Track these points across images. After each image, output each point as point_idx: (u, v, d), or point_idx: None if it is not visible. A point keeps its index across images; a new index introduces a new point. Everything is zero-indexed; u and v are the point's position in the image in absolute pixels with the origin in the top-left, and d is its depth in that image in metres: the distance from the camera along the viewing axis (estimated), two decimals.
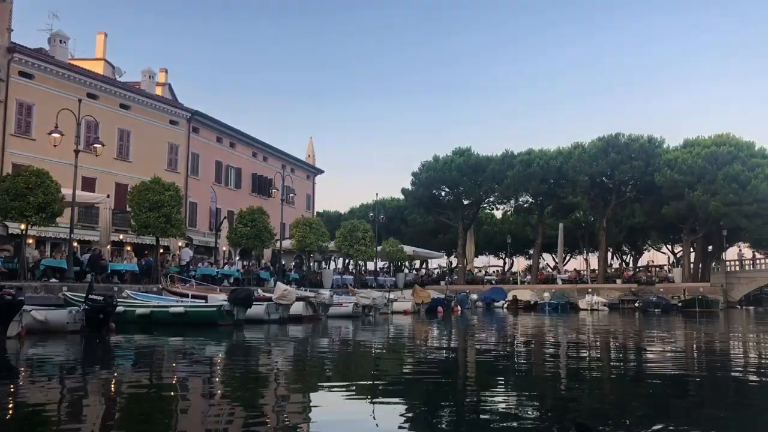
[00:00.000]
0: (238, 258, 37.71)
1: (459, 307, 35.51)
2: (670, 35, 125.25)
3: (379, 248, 42.92)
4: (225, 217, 38.61)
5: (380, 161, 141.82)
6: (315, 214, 55.69)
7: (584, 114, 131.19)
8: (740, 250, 54.04)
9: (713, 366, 12.50)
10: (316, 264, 44.97)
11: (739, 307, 46.17)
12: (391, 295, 32.88)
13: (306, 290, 28.43)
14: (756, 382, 10.14)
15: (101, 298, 16.95)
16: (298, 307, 23.56)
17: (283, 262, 38.54)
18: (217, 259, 34.88)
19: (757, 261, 50.52)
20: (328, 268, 46.94)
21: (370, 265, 48.23)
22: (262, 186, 46.72)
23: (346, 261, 50.93)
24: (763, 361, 13.37)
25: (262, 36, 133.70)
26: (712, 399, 8.43)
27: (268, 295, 24.01)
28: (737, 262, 51.19)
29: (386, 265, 52.66)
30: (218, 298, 21.53)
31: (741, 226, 42.14)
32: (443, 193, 51.80)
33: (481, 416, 6.94)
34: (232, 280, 30.93)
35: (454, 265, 57.21)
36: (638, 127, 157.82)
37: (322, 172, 58.01)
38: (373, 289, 35.00)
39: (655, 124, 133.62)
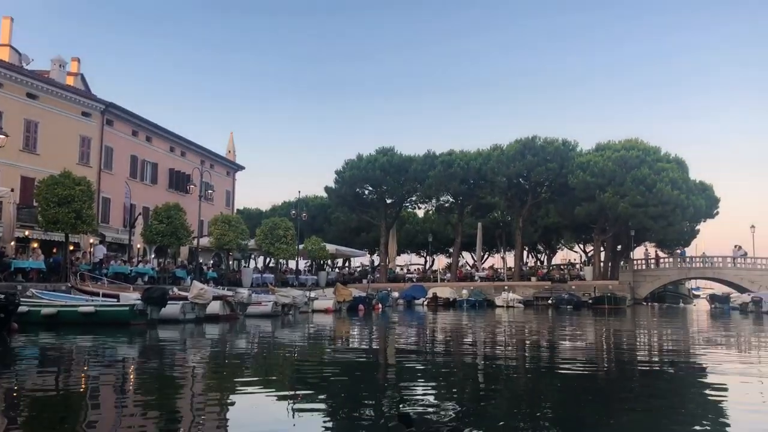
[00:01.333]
0: (153, 256, 36.49)
1: (380, 305, 35.72)
2: (585, 45, 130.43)
3: (301, 246, 42.60)
4: (140, 214, 37.28)
5: (304, 159, 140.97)
6: (235, 211, 54.66)
7: (504, 116, 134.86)
8: (647, 250, 57.05)
9: (616, 358, 13.14)
10: (235, 262, 44.15)
11: (644, 303, 48.69)
12: (312, 294, 32.72)
13: (224, 289, 27.90)
14: (655, 369, 10.74)
15: (2, 296, 16.03)
16: (215, 307, 23.06)
17: (201, 261, 37.61)
18: (131, 257, 33.66)
19: (661, 260, 53.46)
20: (248, 266, 46.21)
21: (292, 264, 47.83)
22: (179, 182, 45.38)
23: (267, 259, 50.27)
24: (662, 352, 14.19)
25: (183, 28, 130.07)
26: (618, 389, 8.86)
27: (183, 293, 23.38)
28: (644, 261, 54.02)
29: (308, 264, 52.34)
30: (131, 297, 20.81)
31: (647, 226, 44.42)
32: (366, 192, 51.92)
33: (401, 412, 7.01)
34: (146, 279, 29.94)
35: (376, 263, 57.53)
36: (554, 130, 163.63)
37: (242, 168, 56.95)
38: (294, 288, 34.72)
39: (569, 128, 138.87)
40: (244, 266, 44.86)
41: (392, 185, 49.42)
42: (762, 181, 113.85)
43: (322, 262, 49.69)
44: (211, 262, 41.85)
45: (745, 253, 50.58)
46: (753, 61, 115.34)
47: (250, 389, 8.71)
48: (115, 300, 20.71)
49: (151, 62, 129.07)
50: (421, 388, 8.99)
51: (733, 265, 50.22)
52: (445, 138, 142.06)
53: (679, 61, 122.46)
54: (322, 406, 7.41)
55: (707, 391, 8.72)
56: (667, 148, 46.03)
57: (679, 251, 54.06)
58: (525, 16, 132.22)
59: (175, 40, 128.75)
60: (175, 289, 25.34)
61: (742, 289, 47.47)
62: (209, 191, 37.86)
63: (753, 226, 52.38)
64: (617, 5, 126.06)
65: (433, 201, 53.78)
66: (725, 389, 8.63)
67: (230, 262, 42.00)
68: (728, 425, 6.54)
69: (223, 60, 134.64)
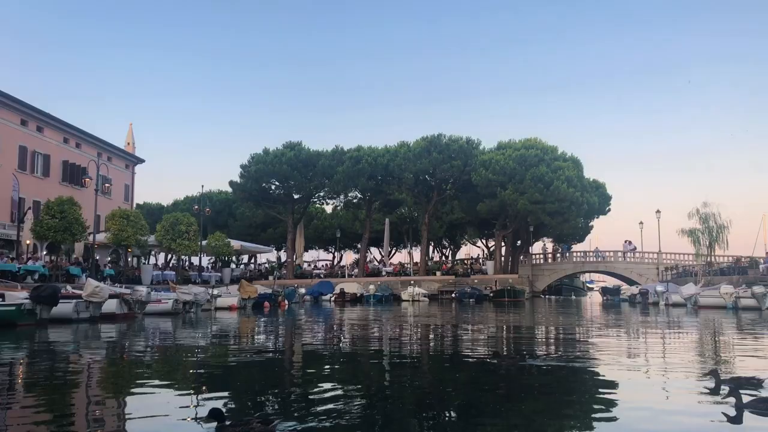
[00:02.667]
0: (44, 252, 34.51)
1: (286, 302, 35.39)
2: (488, 46, 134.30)
3: (204, 242, 41.52)
4: (29, 208, 35.13)
5: (208, 153, 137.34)
6: (134, 206, 52.57)
7: (411, 114, 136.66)
8: (545, 245, 59.73)
9: (514, 349, 13.68)
10: (134, 259, 42.45)
11: (542, 296, 50.95)
12: (216, 291, 32.00)
13: (122, 287, 26.80)
14: (550, 359, 11.27)
15: None
16: (111, 305, 22.13)
17: (98, 257, 35.93)
18: (20, 254, 31.66)
19: (561, 255, 56.09)
20: (148, 263, 44.53)
21: (195, 260, 46.54)
22: (74, 175, 43.10)
23: (169, 256, 48.67)
24: (557, 342, 14.91)
25: (80, 7, 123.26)
26: (515, 379, 9.23)
27: (77, 292, 22.28)
28: (541, 256, 56.50)
29: (212, 260, 51.13)
30: (18, 296, 19.59)
31: (545, 222, 46.44)
32: (273, 187, 51.28)
33: (305, 410, 7.02)
34: (37, 277, 28.25)
35: (283, 259, 56.99)
36: (459, 128, 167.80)
37: (143, 161, 54.78)
38: (196, 285, 33.83)
39: (473, 127, 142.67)
40: (144, 263, 43.20)
41: (299, 180, 49.05)
42: (649, 180, 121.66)
43: (226, 258, 48.65)
44: (109, 259, 40.07)
45: (634, 248, 53.92)
46: (642, 66, 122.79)
47: (146, 391, 8.43)
48: (1, 299, 19.45)
49: (45, 48, 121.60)
50: (325, 383, 9.02)
51: (623, 259, 53.44)
52: (353, 134, 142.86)
53: (574, 63, 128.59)
54: (221, 407, 7.29)
55: (597, 379, 9.25)
56: (563, 148, 48.30)
57: (561, 247, 56.90)
58: (431, 16, 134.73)
59: (71, 23, 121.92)
60: (69, 287, 24.15)
61: (631, 282, 50.60)
62: (106, 185, 36.30)
63: (641, 223, 55.82)
64: (519, 8, 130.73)
65: (341, 197, 53.80)
66: (614, 378, 9.17)
67: (129, 259, 40.36)
68: (614, 409, 6.97)
69: (124, 50, 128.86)
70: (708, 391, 7.62)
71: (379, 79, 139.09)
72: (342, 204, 56.36)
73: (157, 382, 9.30)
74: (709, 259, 43.25)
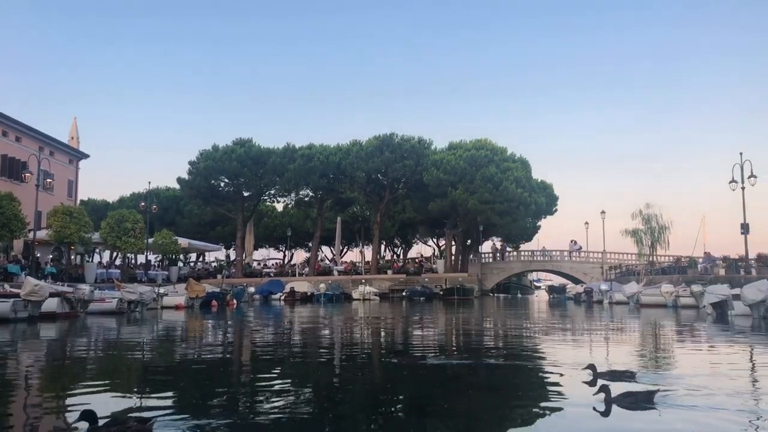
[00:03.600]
0: None
1: (235, 301, 34.94)
2: (441, 47, 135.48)
3: (150, 240, 40.62)
4: None
5: (156, 149, 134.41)
6: (78, 202, 50.96)
7: (363, 113, 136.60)
8: (494, 244, 60.62)
9: (461, 346, 13.84)
10: (78, 257, 41.22)
11: (491, 294, 51.71)
12: (162, 290, 31.34)
13: (64, 285, 25.99)
14: (496, 356, 11.43)
15: None
16: (51, 304, 21.45)
17: (38, 255, 34.74)
18: None
19: (506, 254, 57.02)
20: (92, 261, 43.34)
21: (141, 258, 45.47)
22: (13, 169, 41.49)
23: (114, 254, 47.43)
24: (505, 339, 15.15)
25: (18, 6, 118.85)
26: (464, 377, 9.33)
27: (15, 290, 21.50)
28: (491, 255, 57.34)
29: (159, 258, 50.07)
30: None
31: (494, 222, 47.10)
32: (222, 184, 50.52)
33: (253, 411, 6.93)
34: None
35: (232, 258, 56.24)
36: (411, 128, 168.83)
37: (87, 156, 53.15)
38: (142, 284, 33.06)
39: (425, 127, 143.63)
40: (88, 261, 42.05)
41: (250, 178, 48.44)
42: (595, 181, 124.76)
43: (173, 256, 47.73)
44: (50, 256, 38.79)
45: (580, 248, 55.28)
46: (588, 69, 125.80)
47: (85, 393, 8.19)
48: None
49: None
50: (273, 383, 8.94)
51: (569, 259, 54.72)
52: (305, 132, 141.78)
53: (524, 65, 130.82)
54: (161, 409, 7.13)
55: (541, 375, 9.43)
56: (512, 149, 49.09)
57: (499, 245, 57.92)
58: (382, 15, 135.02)
59: (10, 14, 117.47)
60: (6, 286, 23.32)
61: (576, 281, 51.82)
62: (48, 180, 35.08)
63: (587, 223, 57.42)
64: (471, 8, 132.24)
65: (293, 195, 53.40)
66: (559, 373, 9.36)
67: (72, 257, 39.16)
68: (559, 404, 7.12)
69: (68, 43, 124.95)
70: (587, 384, 7.94)
71: (331, 78, 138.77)
72: (293, 202, 55.98)
73: (88, 383, 9.01)
74: (651, 259, 44.66)
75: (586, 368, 8.43)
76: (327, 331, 18.20)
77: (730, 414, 6.37)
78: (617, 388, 7.10)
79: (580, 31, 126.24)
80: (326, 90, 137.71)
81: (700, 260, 39.43)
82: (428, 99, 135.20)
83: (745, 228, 32.70)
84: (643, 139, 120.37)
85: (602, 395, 6.66)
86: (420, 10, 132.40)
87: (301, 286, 42.86)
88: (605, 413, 6.38)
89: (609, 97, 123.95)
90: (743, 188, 32.08)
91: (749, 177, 31.65)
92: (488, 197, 44.51)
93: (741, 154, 32.00)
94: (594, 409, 6.51)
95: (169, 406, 7.02)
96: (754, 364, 11.10)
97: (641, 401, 6.60)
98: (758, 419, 6.21)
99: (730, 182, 32.27)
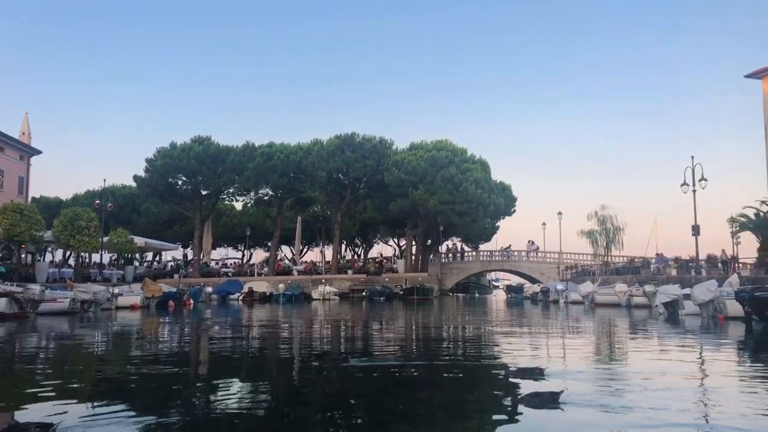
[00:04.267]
0: None
1: (192, 301, 34.43)
2: (402, 48, 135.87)
3: (105, 239, 39.69)
4: None
5: (112, 146, 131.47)
6: (29, 199, 49.53)
7: (325, 112, 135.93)
8: (454, 244, 61.07)
9: (417, 347, 13.90)
10: (28, 256, 40.03)
11: (450, 294, 52.10)
12: (116, 290, 30.69)
13: (13, 285, 25.21)
14: (453, 355, 11.52)
15: None
16: (0, 304, 20.79)
17: None
18: None
19: (466, 254, 57.56)
20: (44, 260, 42.14)
21: (96, 258, 44.39)
22: None
23: (67, 253, 46.20)
24: (463, 339, 15.28)
25: None
26: (421, 377, 9.36)
27: None
28: (451, 255, 57.78)
29: (114, 258, 48.99)
30: None
31: (454, 222, 47.45)
32: (180, 182, 49.62)
33: (210, 413, 6.83)
34: None
35: (190, 257, 55.39)
36: (372, 128, 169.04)
37: (39, 152, 51.67)
38: (96, 283, 32.32)
39: (387, 127, 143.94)
40: (39, 260, 40.86)
41: (208, 176, 47.72)
42: (553, 183, 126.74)
43: (129, 255, 46.70)
44: None
45: (537, 248, 56.11)
46: (549, 74, 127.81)
47: (21, 397, 7.95)
48: None
49: None
50: (229, 385, 8.83)
51: (527, 259, 55.50)
52: (265, 130, 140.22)
53: (483, 67, 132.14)
54: (114, 413, 6.98)
55: (496, 372, 9.53)
56: (472, 150, 49.52)
57: (454, 245, 58.43)
58: (344, 16, 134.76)
59: None
60: None
61: (534, 280, 52.59)
62: None
63: (544, 224, 58.09)
64: (433, 11, 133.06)
65: (252, 193, 52.77)
66: (486, 371, 9.52)
67: (23, 256, 38.01)
68: (468, 404, 7.21)
69: (21, 37, 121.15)
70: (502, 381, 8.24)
71: (292, 77, 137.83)
72: (252, 201, 55.37)
73: (27, 387, 8.76)
74: (605, 259, 45.62)
75: (500, 367, 8.69)
76: (275, 331, 18.09)
77: (629, 415, 6.43)
78: (533, 386, 7.30)
79: (540, 35, 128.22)
80: (287, 89, 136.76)
81: (653, 261, 40.46)
82: (390, 99, 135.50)
83: (695, 230, 33.66)
84: (599, 142, 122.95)
85: (510, 396, 6.82)
86: (381, 11, 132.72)
87: (260, 286, 42.46)
88: (511, 413, 6.46)
89: (567, 100, 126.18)
90: (694, 191, 33.02)
91: (700, 180, 32.59)
92: (448, 198, 44.83)
93: (693, 157, 32.97)
94: (500, 408, 6.60)
95: (99, 412, 6.86)
96: (685, 362, 11.40)
97: (547, 401, 6.64)
98: (662, 419, 6.27)
99: (682, 185, 33.16)
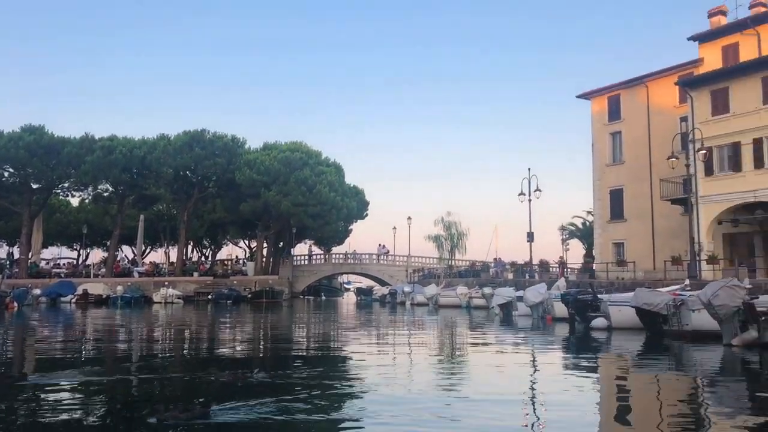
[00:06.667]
0: None
1: (16, 304, 31.39)
2: (242, 47, 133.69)
3: None
4: None
5: None
6: None
7: (173, 106, 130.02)
8: (309, 247, 60.90)
9: (239, 348, 13.62)
10: None
11: (301, 297, 51.87)
12: None
13: None
14: (298, 357, 11.37)
15: None
16: None
17: None
18: None
19: (318, 257, 57.67)
20: None
21: None
22: None
23: None
24: (309, 340, 15.18)
25: None
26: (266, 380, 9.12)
27: None
28: (303, 257, 57.57)
29: None
30: None
31: (307, 225, 47.36)
32: (6, 174, 45.53)
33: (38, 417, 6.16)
34: None
35: (16, 256, 50.58)
36: (224, 125, 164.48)
37: None
38: None
39: (239, 126, 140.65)
40: None
41: (40, 168, 43.92)
42: (403, 188, 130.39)
43: None
44: None
45: (387, 251, 57.46)
46: (404, 79, 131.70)
47: None
48: None
49: None
50: (54, 396, 8.05)
51: (377, 262, 56.62)
52: (106, 121, 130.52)
53: (338, 72, 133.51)
54: None
55: (348, 371, 9.54)
56: (327, 153, 49.74)
57: (312, 248, 58.77)
58: (195, 13, 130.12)
59: None
60: None
61: (383, 283, 53.77)
62: None
63: (395, 228, 59.60)
64: (292, 16, 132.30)
65: (90, 189, 49.48)
66: (365, 369, 9.58)
67: None
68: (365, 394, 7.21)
69: None
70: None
71: (137, 66, 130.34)
72: (91, 197, 51.82)
73: None
74: (450, 263, 47.68)
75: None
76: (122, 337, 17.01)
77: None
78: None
79: (394, 41, 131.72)
80: (131, 78, 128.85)
81: (492, 265, 42.90)
82: (242, 97, 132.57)
83: (530, 236, 36.07)
84: (450, 150, 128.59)
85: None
86: (239, 10, 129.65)
87: (96, 288, 39.72)
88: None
89: (419, 107, 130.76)
90: (530, 200, 35.38)
91: (535, 191, 34.97)
92: (302, 200, 44.67)
93: (529, 169, 35.28)
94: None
95: None
96: (505, 355, 12.19)
97: (196, 416, 6.41)
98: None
99: (519, 195, 35.42)
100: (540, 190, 34.69)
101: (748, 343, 12.85)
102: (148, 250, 60.15)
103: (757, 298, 14.02)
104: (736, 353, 12.48)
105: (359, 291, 54.02)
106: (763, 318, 12.84)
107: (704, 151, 25.33)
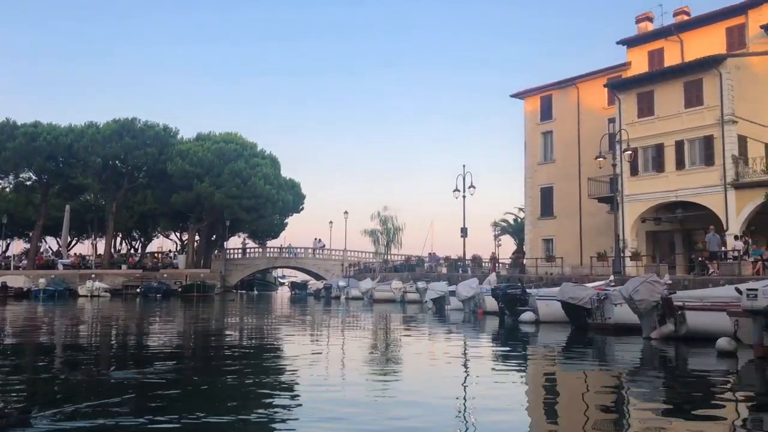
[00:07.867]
0: None
1: None
2: (192, 38, 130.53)
3: None
4: None
5: None
6: None
7: (102, 93, 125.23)
8: (243, 240, 59.93)
9: (176, 345, 13.33)
10: None
11: (234, 291, 51.03)
12: None
13: None
14: (229, 351, 11.17)
15: None
16: None
17: None
18: None
19: (252, 250, 56.83)
20: None
21: None
22: None
23: None
24: (240, 333, 14.94)
25: None
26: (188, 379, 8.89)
27: None
28: (237, 251, 56.60)
29: None
30: None
31: (241, 217, 46.63)
32: None
33: None
34: None
35: None
36: (156, 114, 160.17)
37: None
38: None
39: (171, 115, 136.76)
40: None
41: None
42: (340, 182, 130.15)
43: None
44: None
45: (323, 246, 57.20)
46: (341, 70, 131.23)
47: None
48: None
49: None
50: None
51: (313, 256, 56.27)
52: (29, 107, 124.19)
53: (275, 65, 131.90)
54: None
55: (281, 364, 9.44)
56: (262, 145, 49.06)
57: (246, 241, 58.10)
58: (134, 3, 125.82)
59: None
60: None
61: (319, 277, 53.51)
62: None
63: (331, 222, 59.44)
64: (231, 8, 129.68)
65: (12, 177, 47.28)
66: (298, 362, 9.50)
67: None
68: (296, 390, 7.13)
69: None
70: None
71: (66, 52, 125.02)
72: (12, 185, 49.45)
73: None
74: (385, 257, 47.91)
75: None
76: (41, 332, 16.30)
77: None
78: None
79: (329, 32, 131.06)
80: (58, 64, 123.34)
81: (426, 259, 43.33)
82: (176, 85, 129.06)
83: (464, 232, 36.60)
84: (387, 144, 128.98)
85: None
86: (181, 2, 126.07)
87: (16, 280, 38.20)
88: None
89: (357, 100, 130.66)
90: (464, 197, 35.89)
91: (469, 187, 35.49)
92: (236, 192, 43.95)
93: (464, 166, 35.74)
94: None
95: None
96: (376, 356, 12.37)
97: (11, 424, 5.60)
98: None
99: (454, 191, 35.87)
100: (474, 187, 35.20)
101: (666, 336, 13.45)
102: (74, 242, 57.84)
103: (675, 293, 14.66)
104: (655, 346, 13.04)
105: (294, 285, 53.58)
106: (679, 312, 13.46)
107: (630, 152, 26.28)
